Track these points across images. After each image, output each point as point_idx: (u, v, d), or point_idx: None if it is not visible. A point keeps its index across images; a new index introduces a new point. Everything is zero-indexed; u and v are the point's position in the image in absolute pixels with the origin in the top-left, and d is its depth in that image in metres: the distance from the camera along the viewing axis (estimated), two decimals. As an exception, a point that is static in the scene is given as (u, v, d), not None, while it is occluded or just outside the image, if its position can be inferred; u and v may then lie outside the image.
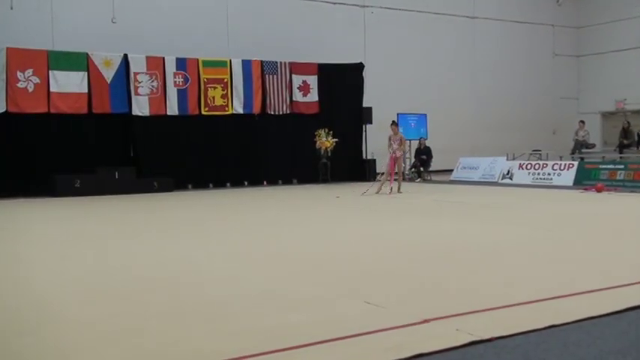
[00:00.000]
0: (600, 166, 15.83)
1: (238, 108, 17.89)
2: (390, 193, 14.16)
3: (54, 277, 5.62)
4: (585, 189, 14.49)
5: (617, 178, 14.95)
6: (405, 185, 17.46)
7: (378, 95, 20.31)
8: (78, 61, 15.93)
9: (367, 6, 21.93)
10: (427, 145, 19.77)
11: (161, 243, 7.51)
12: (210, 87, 17.52)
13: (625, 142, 20.19)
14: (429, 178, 19.73)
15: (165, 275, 5.54)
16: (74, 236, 8.39)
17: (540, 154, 21.03)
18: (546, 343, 3.42)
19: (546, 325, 3.68)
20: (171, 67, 17.03)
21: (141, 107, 16.66)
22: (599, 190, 13.86)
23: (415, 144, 20.19)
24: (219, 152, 17.82)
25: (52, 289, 5.11)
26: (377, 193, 14.06)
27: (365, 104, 19.73)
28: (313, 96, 19.02)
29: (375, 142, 18.86)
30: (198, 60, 17.39)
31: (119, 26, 17.47)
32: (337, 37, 21.03)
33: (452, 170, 19.73)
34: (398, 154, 14.42)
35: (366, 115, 19.45)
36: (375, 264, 5.91)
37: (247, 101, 17.97)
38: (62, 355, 3.44)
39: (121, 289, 5.01)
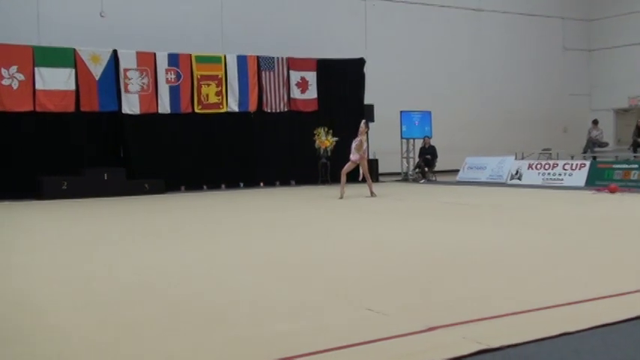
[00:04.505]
0: (613, 166, 15.74)
1: (233, 106, 17.72)
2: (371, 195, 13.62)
3: (42, 284, 5.59)
4: (598, 190, 14.33)
5: (632, 178, 14.84)
6: (409, 186, 17.62)
7: (380, 92, 20.16)
8: (65, 56, 15.73)
9: (368, -2, 22.05)
10: (432, 144, 19.53)
11: (152, 248, 7.42)
12: (204, 84, 17.36)
13: (639, 140, 19.70)
14: (433, 178, 19.52)
15: (157, 282, 5.47)
16: (62, 241, 8.31)
17: (550, 154, 20.91)
18: (559, 351, 3.40)
19: (559, 332, 3.64)
20: (162, 63, 16.81)
21: (131, 105, 16.51)
22: (612, 191, 13.72)
23: (419, 143, 19.98)
24: (214, 152, 17.58)
25: (41, 296, 5.11)
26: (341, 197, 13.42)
27: (366, 101, 19.54)
28: (312, 93, 18.82)
29: (377, 142, 18.79)
30: (191, 55, 17.19)
31: (108, 20, 17.42)
32: (337, 31, 21.03)
33: (458, 170, 19.55)
34: (359, 156, 13.54)
35: (367, 113, 19.14)
36: (377, 269, 5.84)
37: (243, 99, 17.80)
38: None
39: (111, 296, 4.98)
